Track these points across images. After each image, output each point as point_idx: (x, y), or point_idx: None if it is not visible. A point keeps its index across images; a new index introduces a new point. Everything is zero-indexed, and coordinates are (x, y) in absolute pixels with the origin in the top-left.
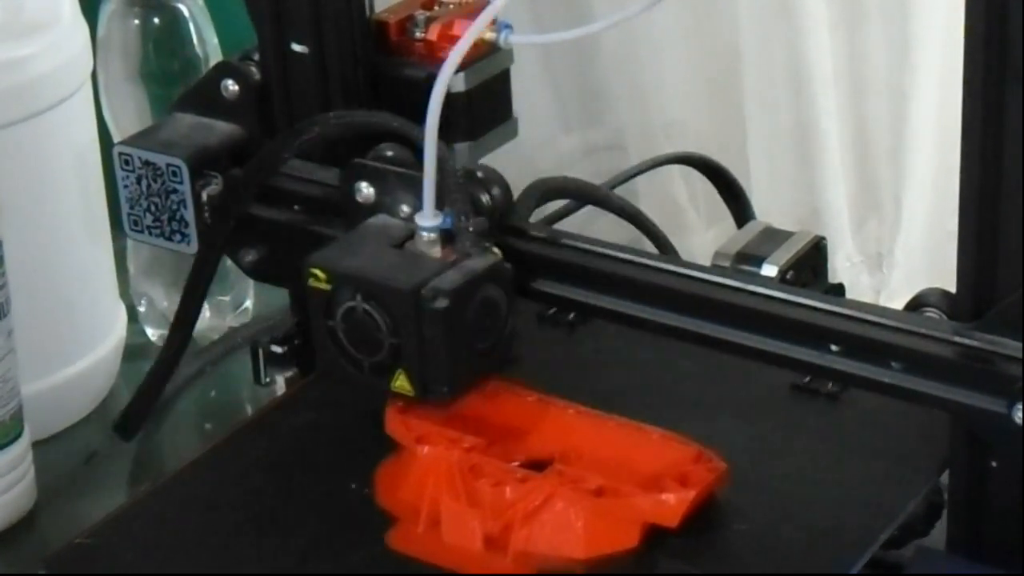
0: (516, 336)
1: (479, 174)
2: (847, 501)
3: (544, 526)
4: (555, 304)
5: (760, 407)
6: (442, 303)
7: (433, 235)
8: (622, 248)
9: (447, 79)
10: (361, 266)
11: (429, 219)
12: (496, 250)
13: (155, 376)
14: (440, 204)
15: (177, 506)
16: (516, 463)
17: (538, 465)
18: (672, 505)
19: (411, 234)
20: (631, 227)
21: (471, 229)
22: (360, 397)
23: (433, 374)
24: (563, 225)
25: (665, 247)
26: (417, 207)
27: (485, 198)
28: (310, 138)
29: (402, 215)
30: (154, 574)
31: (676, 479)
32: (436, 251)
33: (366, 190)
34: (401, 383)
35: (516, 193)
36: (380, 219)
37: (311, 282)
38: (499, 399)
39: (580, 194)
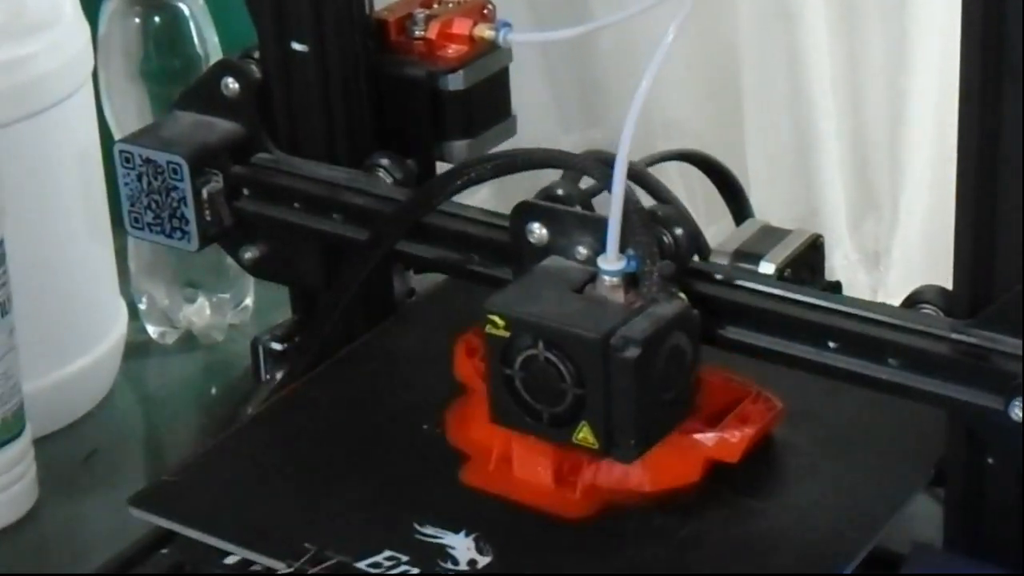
0: (700, 386)
1: (659, 212)
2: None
3: (611, 461)
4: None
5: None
6: (632, 352)
7: (616, 280)
8: (809, 292)
9: (643, 97)
10: (542, 312)
11: (613, 263)
12: (682, 295)
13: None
14: (623, 246)
15: (257, 447)
16: None
17: None
18: (734, 442)
19: (591, 278)
20: None
21: (657, 274)
22: (419, 350)
23: (620, 427)
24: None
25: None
26: (596, 249)
27: (667, 239)
28: (480, 176)
29: (579, 257)
30: (236, 509)
31: (737, 417)
32: (619, 296)
33: (539, 231)
34: (584, 435)
35: (518, 189)
36: (555, 262)
37: (488, 328)
38: None
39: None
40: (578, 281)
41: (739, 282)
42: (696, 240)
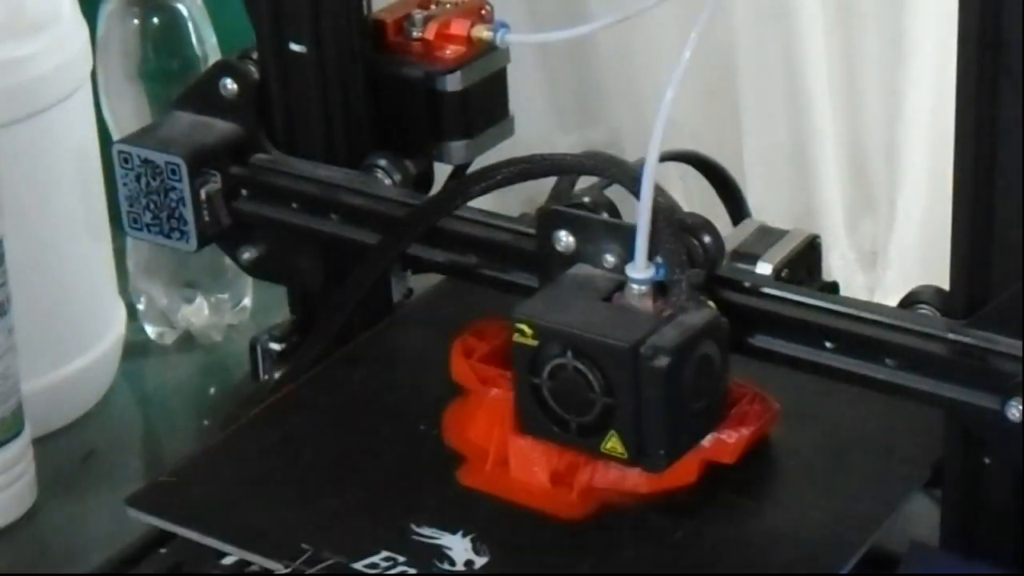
0: (729, 394)
1: (688, 220)
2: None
3: (608, 462)
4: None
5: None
6: (662, 361)
7: (644, 288)
8: (838, 299)
9: (668, 106)
10: (571, 321)
11: (641, 271)
12: (711, 304)
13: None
14: (651, 254)
15: (254, 447)
16: None
17: None
18: (730, 443)
19: (619, 286)
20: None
21: (686, 282)
22: (417, 350)
23: (649, 436)
24: None
25: None
26: (624, 257)
27: (695, 246)
28: (505, 179)
29: (607, 265)
30: (233, 510)
31: (733, 418)
32: (648, 305)
33: (566, 239)
34: (613, 445)
35: (518, 191)
36: (582, 270)
37: (516, 337)
38: None
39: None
40: (606, 289)
41: (767, 290)
42: (722, 248)
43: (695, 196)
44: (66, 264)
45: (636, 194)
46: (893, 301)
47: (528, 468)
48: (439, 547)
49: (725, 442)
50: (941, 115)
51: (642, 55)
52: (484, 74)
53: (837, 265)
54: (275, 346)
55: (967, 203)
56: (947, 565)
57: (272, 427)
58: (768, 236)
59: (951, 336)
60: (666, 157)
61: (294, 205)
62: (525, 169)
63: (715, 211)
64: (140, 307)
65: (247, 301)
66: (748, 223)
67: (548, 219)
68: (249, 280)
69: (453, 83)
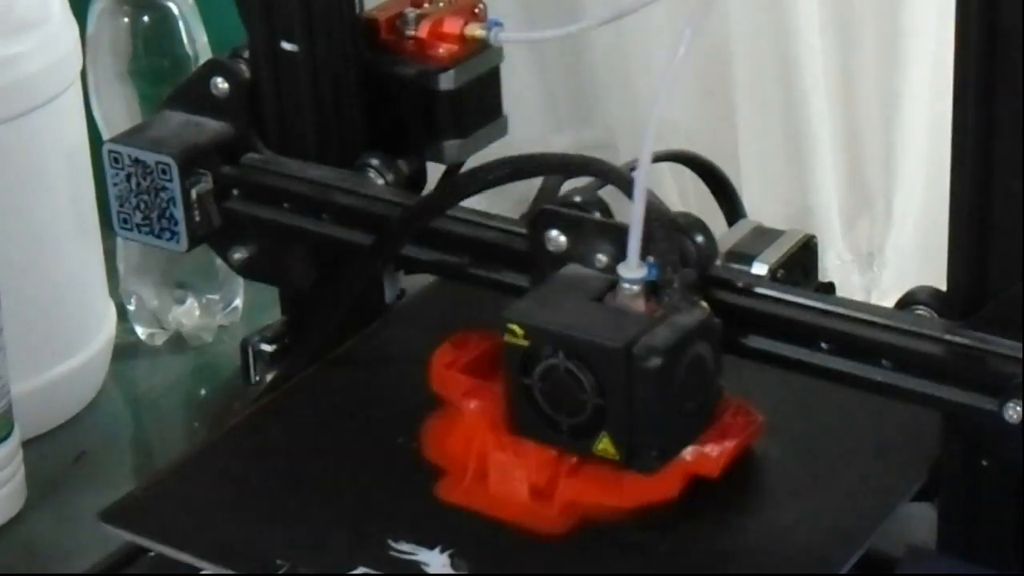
0: (721, 394)
1: (681, 220)
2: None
3: (589, 476)
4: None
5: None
6: (655, 362)
7: (637, 288)
8: (832, 300)
9: (661, 99)
10: (563, 322)
11: (633, 271)
12: (704, 304)
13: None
14: (643, 254)
15: (231, 460)
16: None
17: None
18: (713, 456)
19: (611, 286)
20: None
21: (678, 282)
22: (404, 355)
23: (642, 437)
24: None
25: None
26: (616, 257)
27: (688, 246)
28: (495, 179)
29: (598, 265)
30: (208, 524)
31: (716, 431)
32: (640, 305)
33: (558, 238)
34: (605, 446)
35: (511, 190)
36: (574, 270)
37: (507, 338)
38: None
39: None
40: (598, 290)
41: (760, 290)
42: (715, 248)
43: (690, 196)
44: (56, 265)
45: (628, 194)
46: (890, 302)
47: (508, 482)
48: (417, 563)
49: (708, 455)
50: (938, 115)
51: (636, 54)
52: (477, 73)
53: (833, 266)
54: (266, 347)
55: (964, 204)
56: (944, 568)
57: (249, 439)
58: (764, 236)
59: (948, 337)
60: (661, 157)
61: (286, 205)
62: (517, 169)
63: (710, 211)
64: (130, 308)
65: (238, 302)
66: (744, 223)
67: (539, 219)
68: (240, 281)
69: (446, 82)
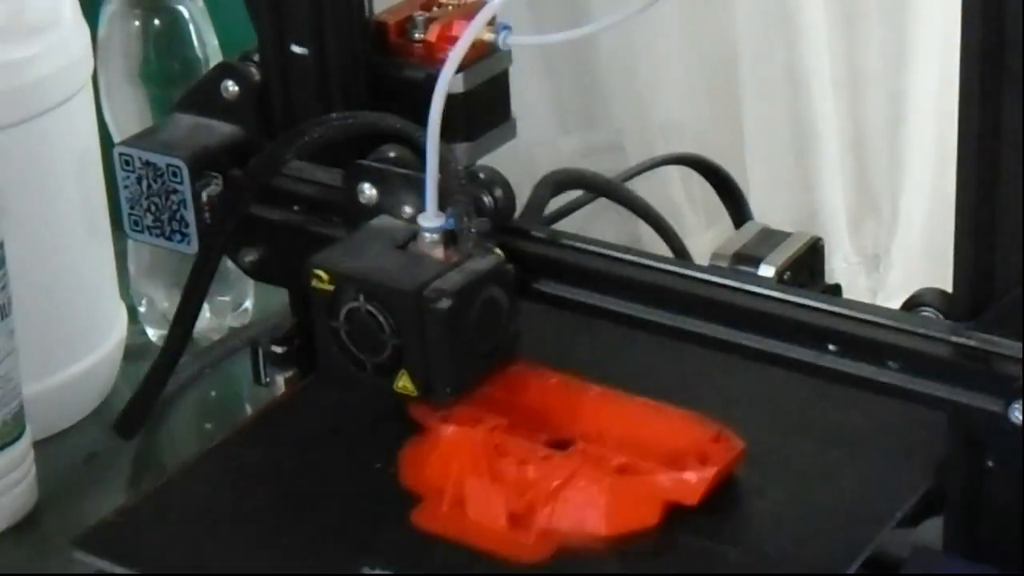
0: (519, 337)
1: (481, 175)
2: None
3: (567, 504)
4: (556, 305)
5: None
6: (444, 304)
7: (436, 236)
8: (622, 248)
9: (448, 79)
10: (364, 267)
11: (431, 220)
12: (498, 251)
13: (154, 376)
14: (443, 205)
15: (205, 485)
16: (539, 442)
17: (561, 444)
18: (693, 483)
19: (414, 235)
20: (633, 225)
21: (473, 230)
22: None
23: (436, 375)
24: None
25: (674, 241)
26: (420, 208)
27: (487, 199)
28: (312, 140)
29: (405, 216)
30: (183, 551)
31: (696, 457)
32: (439, 252)
33: (369, 191)
34: (404, 383)
35: (518, 193)
36: (383, 220)
37: (314, 283)
38: (522, 380)
39: (594, 186)
40: (402, 239)
41: (556, 240)
42: (512, 200)
43: (697, 199)
44: (67, 267)
45: (420, 152)
46: (896, 304)
47: (485, 509)
48: None
49: (687, 482)
50: (944, 117)
51: (644, 57)
52: (486, 76)
53: (840, 268)
54: (276, 348)
55: (970, 205)
56: (950, 568)
57: (224, 464)
58: (771, 239)
59: (954, 339)
60: (668, 161)
61: (295, 208)
62: (324, 132)
63: (718, 214)
64: (141, 310)
65: (248, 304)
66: (750, 226)
67: (352, 172)
68: (250, 282)
69: (455, 85)
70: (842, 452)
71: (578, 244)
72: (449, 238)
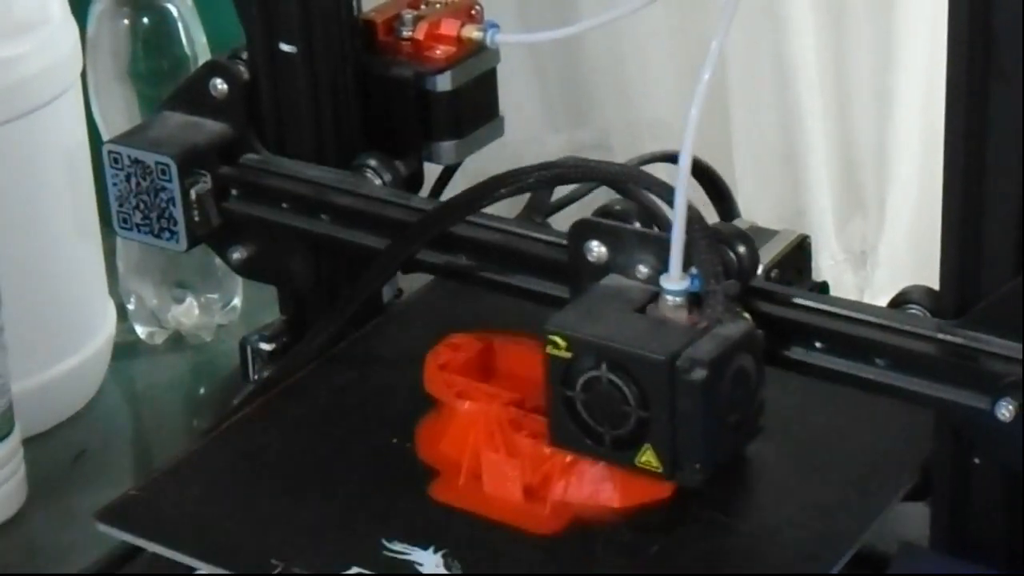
0: (763, 409)
1: (723, 231)
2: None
3: (581, 477)
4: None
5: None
6: (699, 374)
7: (680, 299)
8: (834, 300)
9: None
10: (605, 333)
11: (676, 282)
12: (747, 315)
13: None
14: (685, 265)
15: (225, 460)
16: None
17: None
18: None
19: (653, 297)
20: None
21: (721, 293)
22: (400, 355)
23: (685, 450)
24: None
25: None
26: (657, 267)
27: (730, 257)
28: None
29: (640, 276)
30: (204, 524)
31: None
32: (683, 316)
33: (598, 249)
34: (648, 458)
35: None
36: (615, 280)
37: (549, 349)
38: (537, 356)
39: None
40: (640, 301)
41: (800, 301)
42: (757, 258)
43: None
44: (56, 264)
45: (670, 204)
46: (883, 301)
47: (501, 482)
48: (410, 563)
49: None
50: (931, 115)
51: (632, 55)
52: (474, 74)
53: (827, 265)
54: (265, 346)
55: (957, 203)
56: (937, 565)
57: (244, 439)
58: (758, 236)
59: (941, 336)
60: (655, 158)
61: (284, 205)
62: (542, 177)
63: (705, 211)
64: (130, 307)
65: (237, 301)
66: (738, 223)
67: (579, 229)
68: (239, 280)
69: (443, 83)
70: (813, 464)
71: (826, 306)
72: (693, 301)
